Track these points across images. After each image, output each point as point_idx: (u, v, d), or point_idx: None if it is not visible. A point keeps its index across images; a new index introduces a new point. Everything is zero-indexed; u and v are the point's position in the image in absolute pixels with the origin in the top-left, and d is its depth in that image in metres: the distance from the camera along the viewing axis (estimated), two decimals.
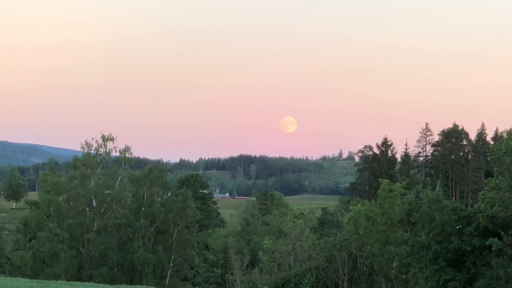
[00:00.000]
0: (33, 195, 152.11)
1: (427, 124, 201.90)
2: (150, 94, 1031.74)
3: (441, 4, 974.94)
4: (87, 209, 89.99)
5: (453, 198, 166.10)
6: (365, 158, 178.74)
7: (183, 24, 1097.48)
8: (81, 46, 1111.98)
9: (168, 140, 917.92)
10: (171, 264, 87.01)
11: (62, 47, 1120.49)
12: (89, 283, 56.74)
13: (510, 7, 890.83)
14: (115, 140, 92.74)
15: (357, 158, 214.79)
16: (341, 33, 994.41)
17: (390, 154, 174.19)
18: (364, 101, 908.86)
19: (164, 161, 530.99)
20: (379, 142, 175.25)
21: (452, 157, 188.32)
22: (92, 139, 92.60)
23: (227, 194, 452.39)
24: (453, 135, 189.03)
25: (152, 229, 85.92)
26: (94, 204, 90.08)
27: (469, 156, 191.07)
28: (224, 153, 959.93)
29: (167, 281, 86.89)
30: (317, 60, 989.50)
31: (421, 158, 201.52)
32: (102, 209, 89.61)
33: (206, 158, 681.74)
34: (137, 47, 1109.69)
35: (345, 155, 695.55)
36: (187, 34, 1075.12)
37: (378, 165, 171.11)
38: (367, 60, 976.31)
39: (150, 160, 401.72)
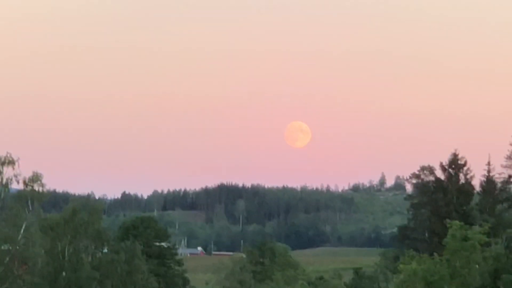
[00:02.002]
0: None
1: None
2: (67, 95, 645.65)
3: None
4: None
5: None
6: (422, 187, 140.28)
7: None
8: None
9: (102, 164, 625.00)
10: None
11: None
12: None
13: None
14: (16, 164, 74.42)
15: (409, 187, 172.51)
16: None
17: (463, 180, 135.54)
18: (420, 102, 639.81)
19: (97, 196, 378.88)
20: (445, 160, 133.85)
21: None
22: None
23: (199, 248, 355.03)
24: None
25: None
26: None
27: None
28: (193, 183, 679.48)
29: None
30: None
31: None
32: None
33: (165, 191, 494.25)
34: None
35: (390, 182, 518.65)
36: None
37: (443, 197, 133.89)
38: None
39: (74, 194, 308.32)
